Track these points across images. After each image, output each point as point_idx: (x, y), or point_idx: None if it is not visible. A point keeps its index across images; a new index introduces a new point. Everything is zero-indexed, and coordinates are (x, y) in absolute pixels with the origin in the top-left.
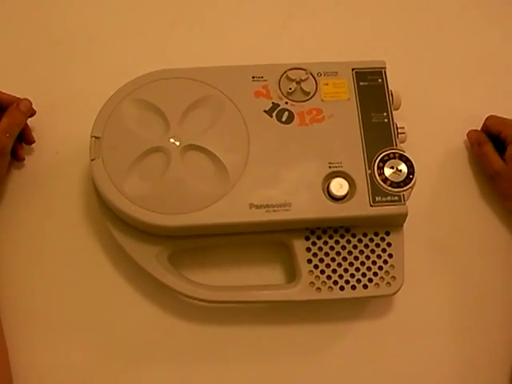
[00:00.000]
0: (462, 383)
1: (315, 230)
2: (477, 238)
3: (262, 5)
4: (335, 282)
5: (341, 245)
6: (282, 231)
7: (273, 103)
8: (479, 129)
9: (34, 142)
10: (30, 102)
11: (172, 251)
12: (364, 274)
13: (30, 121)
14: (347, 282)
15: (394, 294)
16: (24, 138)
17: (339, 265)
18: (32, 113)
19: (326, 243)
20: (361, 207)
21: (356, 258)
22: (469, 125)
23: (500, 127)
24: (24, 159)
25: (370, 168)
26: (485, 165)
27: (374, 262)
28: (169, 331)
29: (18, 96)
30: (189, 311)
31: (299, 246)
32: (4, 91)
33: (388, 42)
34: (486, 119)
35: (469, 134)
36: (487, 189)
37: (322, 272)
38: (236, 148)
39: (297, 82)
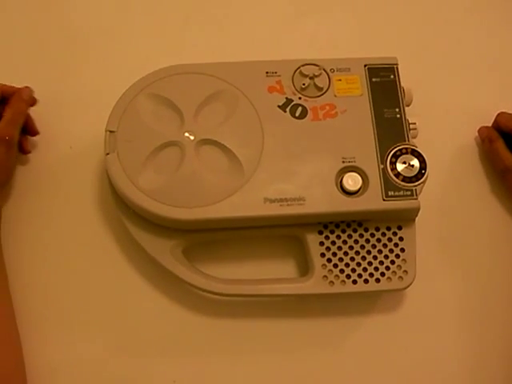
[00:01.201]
0: (473, 376)
1: (328, 224)
2: (487, 233)
3: (276, 0)
4: (348, 276)
5: (353, 239)
6: (296, 225)
7: (286, 98)
8: (490, 125)
9: (38, 133)
10: (31, 89)
11: (186, 245)
12: (376, 268)
13: (43, 115)
14: (360, 275)
15: (406, 288)
16: (28, 129)
17: (352, 259)
18: (33, 101)
19: (338, 237)
20: (373, 201)
21: (368, 252)
22: (480, 121)
23: (511, 124)
24: (30, 152)
25: (382, 163)
26: (496, 161)
27: (386, 256)
28: (182, 324)
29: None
30: (203, 304)
31: (312, 240)
32: (18, 86)
33: (400, 38)
34: (497, 116)
35: (480, 131)
36: (498, 184)
37: (335, 266)
38: (250, 142)
39: (310, 78)
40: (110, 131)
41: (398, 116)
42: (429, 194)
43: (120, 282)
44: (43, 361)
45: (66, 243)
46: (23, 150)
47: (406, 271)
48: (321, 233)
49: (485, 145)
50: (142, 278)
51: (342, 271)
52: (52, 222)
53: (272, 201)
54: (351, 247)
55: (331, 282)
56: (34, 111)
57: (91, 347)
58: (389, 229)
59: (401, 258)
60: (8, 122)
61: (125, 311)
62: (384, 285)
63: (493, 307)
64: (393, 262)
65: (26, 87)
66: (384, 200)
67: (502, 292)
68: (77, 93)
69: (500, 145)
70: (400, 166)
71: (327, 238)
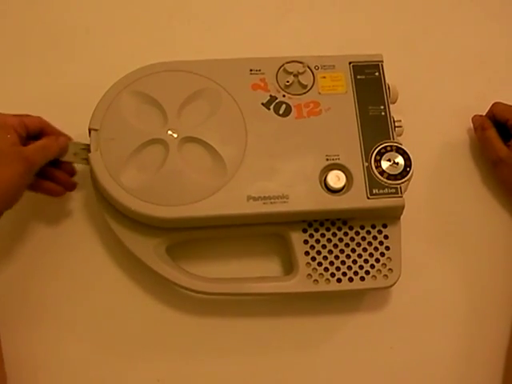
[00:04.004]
0: (459, 375)
1: (312, 222)
2: (473, 230)
3: None
4: (332, 275)
5: (338, 237)
6: (280, 223)
7: (270, 96)
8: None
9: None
10: (67, 140)
11: (170, 243)
12: (361, 267)
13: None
14: (344, 274)
15: (391, 286)
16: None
17: (336, 257)
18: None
19: (323, 235)
20: (358, 199)
21: (353, 251)
22: (466, 118)
23: (507, 114)
24: (75, 187)
25: (367, 160)
26: (488, 151)
27: (371, 255)
28: (166, 323)
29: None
30: (186, 303)
31: (296, 238)
32: (2, 84)
33: (385, 35)
34: (493, 105)
35: (473, 119)
36: (486, 180)
37: (320, 264)
38: (233, 140)
39: (294, 75)
40: (93, 129)
41: (383, 113)
42: (416, 191)
43: (103, 280)
44: (26, 360)
45: (49, 241)
46: (67, 185)
47: (391, 269)
48: (305, 231)
49: (477, 133)
50: (125, 277)
51: (326, 270)
52: (35, 220)
53: (255, 199)
54: (336, 245)
55: (315, 281)
56: (16, 110)
57: (74, 346)
58: (374, 227)
59: (386, 257)
60: (38, 149)
61: (108, 310)
62: (369, 283)
63: (481, 303)
64: (378, 261)
65: (68, 139)
66: (368, 198)
67: (491, 287)
68: (61, 90)
69: (492, 133)
70: (384, 164)
71: (311, 236)
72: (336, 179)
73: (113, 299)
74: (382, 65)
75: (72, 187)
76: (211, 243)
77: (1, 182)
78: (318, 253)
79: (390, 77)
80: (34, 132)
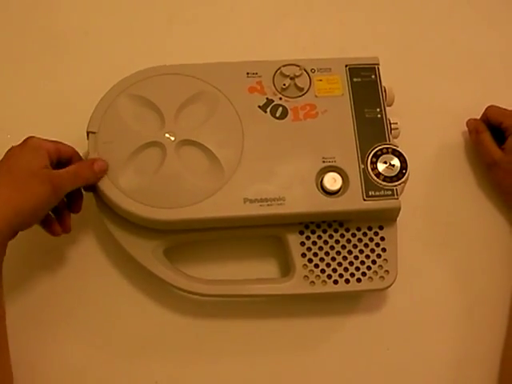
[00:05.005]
0: (455, 376)
1: (309, 224)
2: (469, 231)
3: (257, 1)
4: (329, 276)
5: (334, 239)
6: (276, 225)
7: (267, 99)
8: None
9: (79, 211)
10: (106, 165)
11: (168, 245)
12: (357, 268)
13: (24, 116)
14: (341, 275)
15: (388, 287)
16: (74, 205)
17: (333, 259)
18: (98, 179)
19: (319, 237)
20: (354, 201)
21: (350, 252)
22: (462, 120)
23: (501, 117)
24: (69, 231)
25: (363, 163)
26: (483, 154)
27: (367, 256)
28: (164, 325)
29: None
30: (184, 305)
31: (293, 240)
32: (1, 87)
33: (382, 38)
34: (487, 109)
35: (468, 122)
36: (482, 183)
37: (316, 266)
38: (230, 143)
39: (291, 78)
40: (91, 132)
41: (379, 116)
42: (412, 193)
43: (101, 282)
44: (25, 361)
45: (47, 243)
46: (65, 226)
47: (387, 271)
48: (302, 233)
49: (472, 136)
50: (123, 279)
51: (323, 271)
52: None
53: (252, 201)
54: (332, 247)
55: (312, 282)
56: (15, 114)
57: (73, 348)
58: (370, 229)
59: (382, 258)
60: (68, 174)
61: (106, 312)
62: (365, 285)
63: (477, 305)
64: (374, 262)
65: (103, 161)
66: (365, 200)
67: (487, 289)
68: (59, 94)
69: (486, 137)
70: (381, 166)
71: (308, 238)
72: (332, 181)
73: (111, 301)
74: (378, 67)
75: (68, 230)
76: (209, 245)
77: (28, 201)
78: (315, 255)
79: (387, 79)
80: (66, 160)
